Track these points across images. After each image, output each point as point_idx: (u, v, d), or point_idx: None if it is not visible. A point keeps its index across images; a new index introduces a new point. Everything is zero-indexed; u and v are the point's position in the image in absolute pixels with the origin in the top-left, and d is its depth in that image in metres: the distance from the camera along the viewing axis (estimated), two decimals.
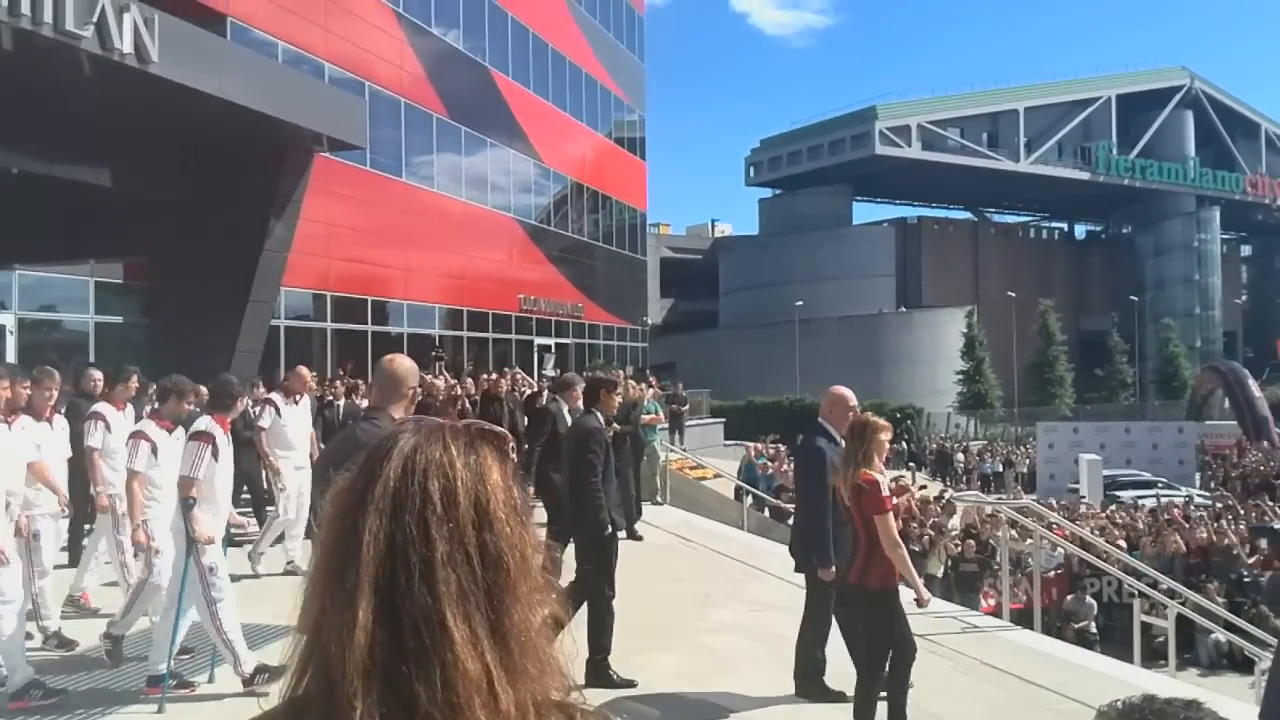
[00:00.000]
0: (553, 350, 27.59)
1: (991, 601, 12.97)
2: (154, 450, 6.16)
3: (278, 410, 8.98)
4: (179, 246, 14.61)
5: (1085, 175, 77.46)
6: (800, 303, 59.58)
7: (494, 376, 15.59)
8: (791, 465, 22.23)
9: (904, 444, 39.76)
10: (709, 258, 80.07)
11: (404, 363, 4.50)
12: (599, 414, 6.37)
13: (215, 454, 5.71)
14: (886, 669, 5.27)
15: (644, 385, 17.04)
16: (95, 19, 10.28)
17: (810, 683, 5.94)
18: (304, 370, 9.94)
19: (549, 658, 1.01)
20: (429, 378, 14.33)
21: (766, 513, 18.08)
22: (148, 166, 13.96)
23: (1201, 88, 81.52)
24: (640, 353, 39.33)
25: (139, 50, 10.81)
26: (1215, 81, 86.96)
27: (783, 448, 24.76)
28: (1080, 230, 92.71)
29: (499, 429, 1.12)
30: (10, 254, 14.97)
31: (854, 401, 6.18)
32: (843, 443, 5.72)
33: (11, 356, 14.68)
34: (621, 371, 21.92)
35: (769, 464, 21.34)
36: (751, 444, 24.86)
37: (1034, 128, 76.09)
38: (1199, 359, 67.76)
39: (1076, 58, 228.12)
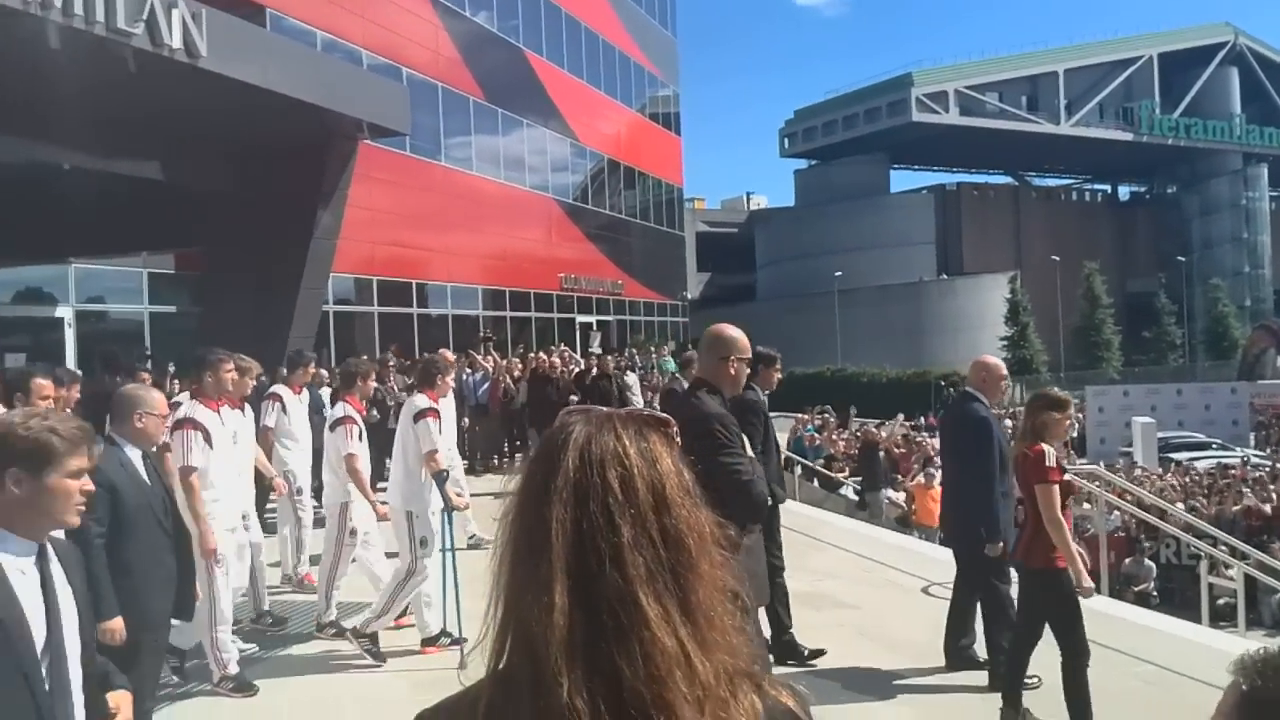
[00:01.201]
0: (595, 328, 27.65)
1: None
2: (360, 435, 6.38)
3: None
4: (230, 236, 14.80)
5: (1128, 136, 75.99)
6: (839, 273, 59.07)
7: (601, 354, 15.53)
8: (841, 436, 22.17)
9: None
10: (745, 231, 79.61)
11: (728, 330, 4.31)
12: (757, 388, 6.35)
13: (440, 427, 6.20)
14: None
15: None
16: (145, 16, 10.39)
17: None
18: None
19: (734, 630, 1.08)
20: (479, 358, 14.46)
21: (816, 483, 18.09)
22: (197, 159, 14.12)
23: (1246, 43, 79.53)
24: (681, 328, 39.30)
25: (188, 45, 10.91)
26: (1260, 37, 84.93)
27: (831, 418, 24.65)
28: (1124, 192, 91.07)
29: (664, 415, 1.16)
30: (66, 248, 15.26)
31: (1005, 371, 6.05)
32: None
33: (71, 348, 15.01)
34: (665, 348, 21.97)
35: (816, 435, 21.28)
36: (798, 415, 24.79)
37: (1074, 89, 74.69)
38: (1249, 318, 66.46)
39: (1117, 17, 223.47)
